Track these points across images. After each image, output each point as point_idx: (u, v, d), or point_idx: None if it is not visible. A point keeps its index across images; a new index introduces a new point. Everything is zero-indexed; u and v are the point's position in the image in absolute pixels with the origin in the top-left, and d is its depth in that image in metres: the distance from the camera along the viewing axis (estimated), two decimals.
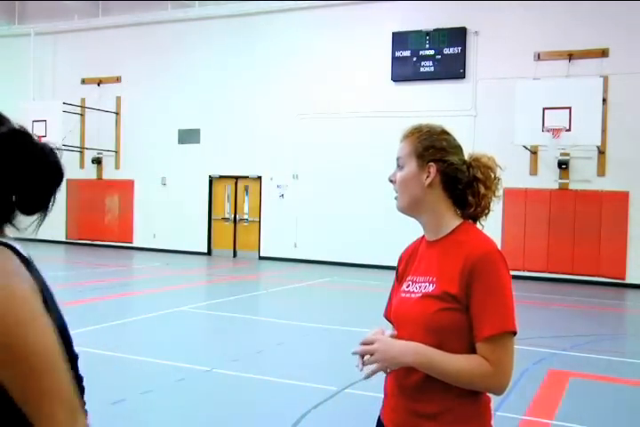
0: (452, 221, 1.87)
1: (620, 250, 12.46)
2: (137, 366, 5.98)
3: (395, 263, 2.05)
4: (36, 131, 15.94)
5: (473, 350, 1.74)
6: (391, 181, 1.91)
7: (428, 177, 1.85)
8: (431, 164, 1.85)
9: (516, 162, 13.06)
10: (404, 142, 1.90)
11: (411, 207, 1.88)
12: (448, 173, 1.86)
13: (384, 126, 13.53)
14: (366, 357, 1.76)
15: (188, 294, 10.39)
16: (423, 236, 1.97)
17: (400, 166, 1.89)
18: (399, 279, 1.96)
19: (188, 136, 16.64)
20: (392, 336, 1.81)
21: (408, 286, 1.87)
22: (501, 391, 1.73)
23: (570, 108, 11.58)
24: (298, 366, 6.11)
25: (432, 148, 1.87)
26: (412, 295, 1.82)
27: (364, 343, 1.78)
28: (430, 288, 1.78)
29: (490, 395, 1.81)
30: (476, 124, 13.43)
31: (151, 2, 16.41)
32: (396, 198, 1.90)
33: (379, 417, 1.94)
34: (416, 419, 1.77)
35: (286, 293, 11.04)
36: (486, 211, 1.90)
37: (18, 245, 1.19)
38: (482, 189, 1.88)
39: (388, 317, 2.01)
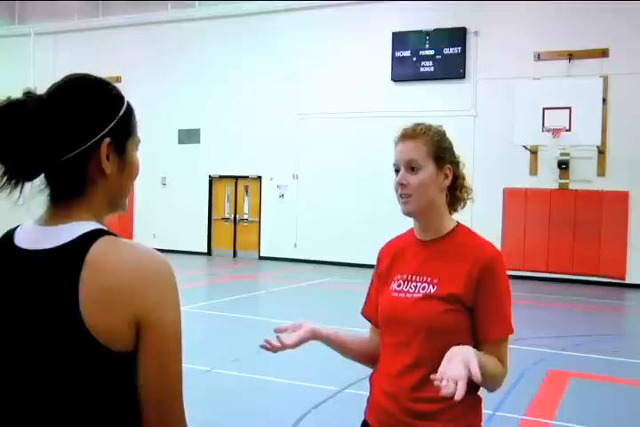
0: (449, 222, 1.88)
1: (620, 250, 12.46)
2: None
3: None
4: None
5: None
6: (402, 184, 1.81)
7: (445, 179, 1.84)
8: (448, 166, 1.84)
9: (516, 162, 13.08)
10: (413, 142, 1.81)
11: (424, 210, 1.83)
12: (456, 175, 1.88)
13: (384, 126, 13.51)
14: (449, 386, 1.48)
15: (188, 294, 10.39)
16: (407, 233, 1.95)
17: (414, 169, 1.80)
18: (383, 277, 1.92)
19: (188, 136, 16.63)
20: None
21: (400, 286, 1.83)
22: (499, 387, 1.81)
23: (570, 108, 11.59)
24: (298, 366, 6.11)
25: (447, 150, 1.85)
26: (408, 295, 1.80)
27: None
28: (432, 289, 1.77)
29: (481, 393, 1.83)
30: (475, 124, 13.42)
31: (151, 2, 16.41)
32: (403, 202, 1.82)
33: (364, 420, 1.92)
34: (413, 419, 1.76)
35: (286, 293, 11.05)
36: (464, 203, 1.93)
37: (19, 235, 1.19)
38: (464, 183, 1.91)
39: (367, 315, 2.00)
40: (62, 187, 1.18)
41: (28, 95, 1.16)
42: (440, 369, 1.50)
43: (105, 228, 1.18)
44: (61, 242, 1.13)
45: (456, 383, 1.45)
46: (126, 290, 1.10)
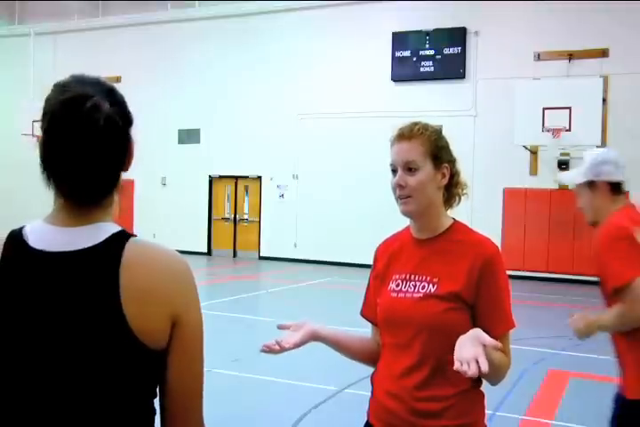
0: (446, 219, 1.87)
1: None
2: None
3: None
4: (36, 131, 15.92)
5: None
6: (400, 185, 1.79)
7: (443, 178, 1.83)
8: (446, 165, 1.83)
9: (516, 162, 13.07)
10: (410, 143, 1.80)
11: (423, 211, 1.82)
12: (453, 173, 1.87)
13: (384, 126, 13.48)
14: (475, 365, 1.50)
15: None
16: (403, 232, 1.94)
17: (412, 169, 1.78)
18: (380, 278, 1.91)
19: (188, 136, 16.63)
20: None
21: (398, 286, 1.82)
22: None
23: (570, 108, 11.58)
24: (298, 366, 6.11)
25: (444, 149, 1.84)
26: (408, 295, 1.79)
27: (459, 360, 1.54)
28: (432, 288, 1.76)
29: (484, 389, 1.84)
30: (475, 124, 13.42)
31: (151, 2, 16.41)
32: (402, 203, 1.81)
33: (367, 422, 1.91)
34: (418, 419, 1.76)
35: (286, 293, 11.05)
36: (459, 199, 1.92)
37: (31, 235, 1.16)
38: (459, 179, 1.90)
39: (366, 315, 1.98)
40: (98, 192, 1.17)
41: (89, 98, 1.13)
42: (455, 356, 1.51)
43: (125, 229, 1.19)
44: (93, 243, 1.13)
45: (476, 361, 1.47)
46: (164, 291, 1.14)
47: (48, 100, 1.17)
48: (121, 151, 1.17)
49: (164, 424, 1.20)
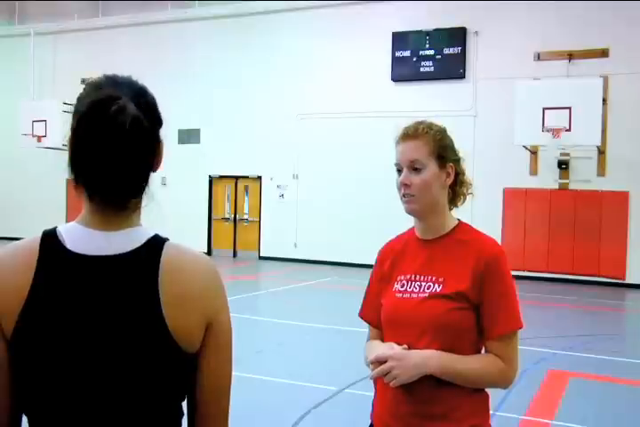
0: (451, 220, 1.87)
1: (620, 250, 12.45)
2: None
3: None
4: (36, 131, 15.92)
5: (477, 350, 1.77)
6: (405, 184, 1.80)
7: (447, 178, 1.83)
8: (450, 164, 1.83)
9: (516, 162, 13.07)
10: (415, 142, 1.80)
11: (428, 210, 1.82)
12: (457, 172, 1.86)
13: (384, 126, 13.50)
14: (387, 376, 1.70)
15: None
16: (407, 233, 1.94)
17: (417, 168, 1.79)
18: (386, 278, 1.90)
19: (188, 136, 16.63)
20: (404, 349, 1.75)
21: (403, 286, 1.82)
22: (510, 385, 1.78)
23: (570, 108, 11.57)
24: (298, 366, 6.12)
25: (449, 148, 1.84)
26: (413, 295, 1.78)
27: (377, 361, 1.72)
28: (438, 288, 1.76)
29: (488, 390, 1.83)
30: (476, 124, 13.42)
31: (151, 2, 16.41)
32: (406, 202, 1.81)
33: (370, 425, 1.90)
34: (423, 421, 1.75)
35: (286, 293, 11.04)
36: (464, 198, 1.92)
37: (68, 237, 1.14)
38: (464, 178, 1.90)
39: (366, 317, 1.97)
40: (126, 194, 1.16)
41: (116, 100, 1.12)
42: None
43: (158, 233, 1.21)
44: (132, 247, 1.15)
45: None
46: (199, 295, 1.17)
47: (80, 100, 1.16)
48: (149, 153, 1.16)
49: (193, 423, 1.23)
